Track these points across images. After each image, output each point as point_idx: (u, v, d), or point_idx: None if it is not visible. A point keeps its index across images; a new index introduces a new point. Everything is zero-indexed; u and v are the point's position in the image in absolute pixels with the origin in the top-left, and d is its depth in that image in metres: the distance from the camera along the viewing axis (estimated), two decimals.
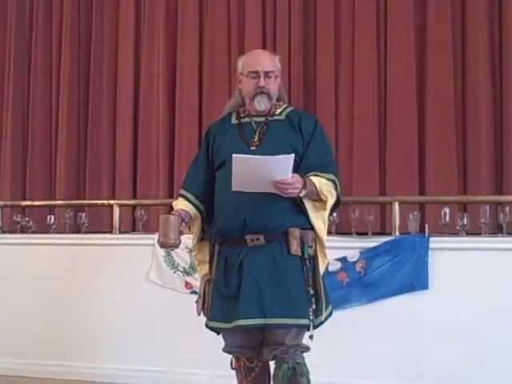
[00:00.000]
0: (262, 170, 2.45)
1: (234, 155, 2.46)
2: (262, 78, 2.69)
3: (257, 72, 2.70)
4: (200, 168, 2.81)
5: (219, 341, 2.76)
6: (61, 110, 5.56)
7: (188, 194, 2.76)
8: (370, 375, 3.75)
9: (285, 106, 2.84)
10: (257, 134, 2.71)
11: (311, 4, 5.00)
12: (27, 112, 5.71)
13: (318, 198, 2.63)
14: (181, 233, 2.58)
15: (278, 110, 2.79)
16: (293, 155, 2.46)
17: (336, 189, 2.66)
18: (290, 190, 2.51)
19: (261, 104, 2.70)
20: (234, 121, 2.81)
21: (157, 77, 5.29)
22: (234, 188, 2.52)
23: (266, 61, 2.75)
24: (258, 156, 2.50)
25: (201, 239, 2.82)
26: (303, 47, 4.98)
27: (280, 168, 2.46)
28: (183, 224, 2.64)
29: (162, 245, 2.59)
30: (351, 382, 3.76)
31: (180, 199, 2.77)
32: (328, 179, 2.63)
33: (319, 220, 2.67)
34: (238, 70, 2.81)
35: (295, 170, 2.58)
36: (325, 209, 2.64)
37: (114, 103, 5.47)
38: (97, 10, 5.57)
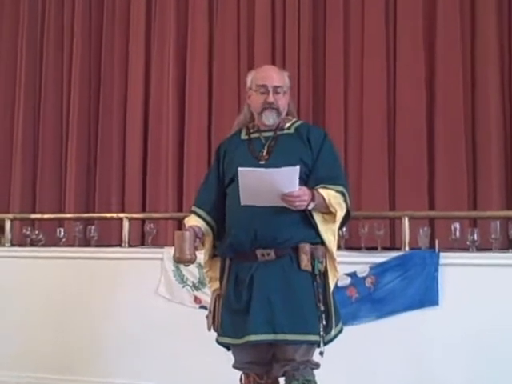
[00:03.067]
0: (268, 183, 2.45)
1: (239, 168, 2.48)
2: (270, 94, 2.71)
3: (265, 86, 2.72)
4: (211, 185, 2.83)
5: (228, 356, 2.75)
6: (71, 123, 5.58)
7: (199, 211, 2.78)
8: None
9: (294, 120, 2.85)
10: (266, 148, 2.72)
11: (321, 16, 5.00)
12: (38, 124, 5.75)
13: (327, 211, 2.62)
14: (195, 248, 2.59)
15: (287, 124, 2.80)
16: (298, 167, 2.45)
17: (345, 201, 2.65)
18: (297, 203, 2.50)
19: (269, 119, 2.72)
20: (243, 136, 2.83)
21: (166, 91, 5.32)
22: (243, 202, 2.53)
23: (275, 76, 2.78)
24: (263, 169, 2.51)
25: (212, 256, 2.82)
26: (312, 59, 4.98)
27: (286, 180, 2.45)
28: (197, 240, 2.65)
29: (179, 260, 2.60)
30: None
31: (192, 216, 2.78)
32: (337, 191, 2.62)
33: (329, 233, 2.66)
34: (247, 85, 2.85)
35: (305, 182, 2.59)
36: (334, 221, 2.64)
37: (123, 117, 5.49)
38: (108, 12, 5.61)
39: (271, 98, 2.71)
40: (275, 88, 2.73)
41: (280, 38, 5.06)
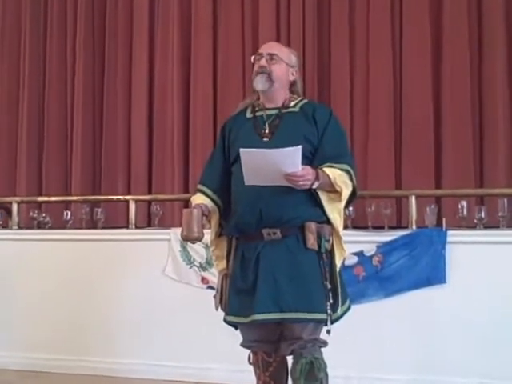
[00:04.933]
0: (271, 163, 2.43)
1: (241, 149, 2.47)
2: (263, 59, 2.71)
3: (261, 54, 2.74)
4: (216, 163, 2.81)
5: (236, 335, 2.75)
6: (76, 106, 5.60)
7: (205, 189, 2.77)
8: (387, 370, 3.74)
9: (299, 98, 2.82)
10: (267, 125, 2.70)
11: None
12: (43, 108, 5.76)
13: (333, 190, 2.61)
14: (203, 226, 2.59)
15: (293, 103, 2.77)
16: (300, 147, 2.43)
17: (351, 179, 2.63)
18: (300, 183, 2.49)
19: (258, 83, 2.70)
20: (248, 115, 2.81)
21: (171, 71, 5.31)
22: (247, 182, 2.52)
23: (273, 45, 2.82)
24: (265, 149, 2.48)
25: (218, 234, 2.82)
26: (317, 39, 4.98)
27: (288, 160, 2.43)
28: (204, 218, 2.65)
29: (186, 238, 2.59)
30: (368, 376, 3.75)
31: (198, 194, 2.77)
32: (342, 170, 2.61)
33: (334, 211, 2.64)
34: (252, 63, 2.83)
35: (310, 161, 2.58)
36: (340, 200, 2.62)
37: (128, 100, 5.49)
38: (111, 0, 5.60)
39: (263, 62, 2.70)
40: (270, 55, 2.72)
41: (284, 14, 5.04)
